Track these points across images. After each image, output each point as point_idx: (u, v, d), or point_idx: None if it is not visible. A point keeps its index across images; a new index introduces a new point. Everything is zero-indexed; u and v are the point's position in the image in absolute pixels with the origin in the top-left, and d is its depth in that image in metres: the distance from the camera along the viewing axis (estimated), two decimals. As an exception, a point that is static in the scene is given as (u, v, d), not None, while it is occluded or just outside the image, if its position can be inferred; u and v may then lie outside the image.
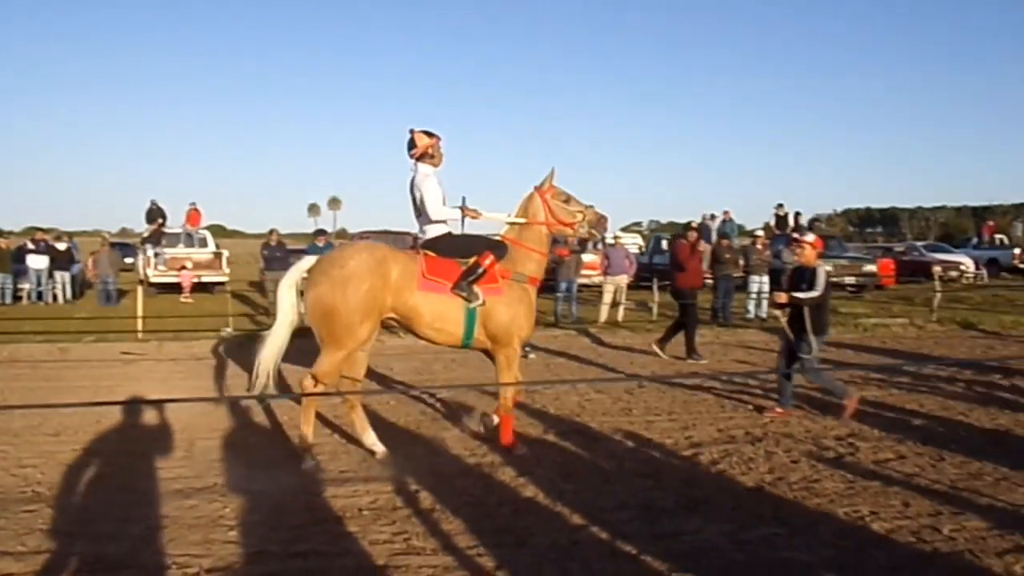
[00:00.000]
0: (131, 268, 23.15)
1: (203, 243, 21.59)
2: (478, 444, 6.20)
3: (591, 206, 6.40)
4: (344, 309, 5.52)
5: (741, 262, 15.27)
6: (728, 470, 5.58)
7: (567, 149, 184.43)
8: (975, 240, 31.57)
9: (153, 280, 19.19)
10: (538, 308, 6.59)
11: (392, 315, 5.81)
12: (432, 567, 3.93)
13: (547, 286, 11.16)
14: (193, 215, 22.49)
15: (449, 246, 6.04)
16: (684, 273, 11.35)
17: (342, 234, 51.27)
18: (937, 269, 17.83)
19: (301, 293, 5.87)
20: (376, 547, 4.17)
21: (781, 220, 23.21)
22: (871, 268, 20.19)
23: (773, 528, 4.43)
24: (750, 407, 7.55)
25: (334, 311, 5.55)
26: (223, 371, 9.86)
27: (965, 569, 3.87)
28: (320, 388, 5.71)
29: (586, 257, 16.46)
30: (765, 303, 14.33)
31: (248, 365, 10.08)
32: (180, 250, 20.69)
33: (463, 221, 6.24)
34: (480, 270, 5.81)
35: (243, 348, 11.36)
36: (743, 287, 15.35)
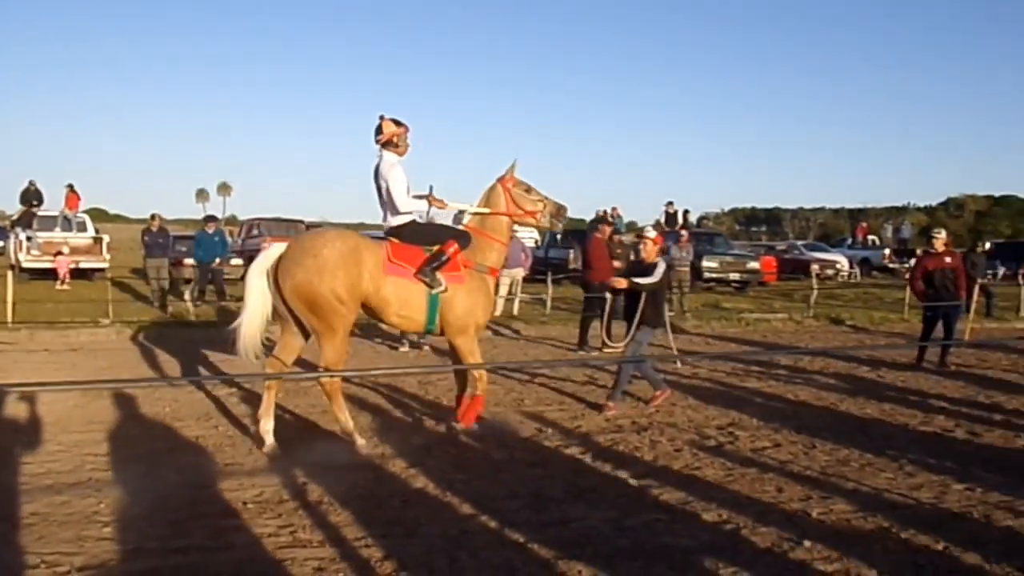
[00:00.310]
0: (0, 252, 21.81)
1: (82, 227, 20.62)
2: (370, 435, 6.16)
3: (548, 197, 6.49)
4: (327, 293, 5.52)
5: (632, 257, 15.64)
6: (615, 459, 5.73)
7: (459, 146, 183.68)
8: (849, 240, 33.37)
9: (25, 265, 18.31)
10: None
11: (364, 302, 5.80)
12: (319, 559, 3.88)
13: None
14: (71, 198, 21.32)
15: (414, 234, 6.07)
16: (595, 269, 11.43)
17: (232, 220, 49.58)
18: (815, 267, 18.77)
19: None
20: (261, 540, 4.09)
21: (671, 217, 23.96)
22: (754, 265, 21.03)
23: (656, 514, 4.59)
24: (637, 397, 7.76)
25: (317, 298, 5.54)
26: (101, 362, 9.41)
27: (831, 550, 4.10)
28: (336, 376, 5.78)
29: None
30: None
31: (128, 356, 9.78)
32: (56, 234, 19.68)
33: (429, 210, 6.26)
34: (444, 258, 5.86)
35: (122, 338, 10.90)
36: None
